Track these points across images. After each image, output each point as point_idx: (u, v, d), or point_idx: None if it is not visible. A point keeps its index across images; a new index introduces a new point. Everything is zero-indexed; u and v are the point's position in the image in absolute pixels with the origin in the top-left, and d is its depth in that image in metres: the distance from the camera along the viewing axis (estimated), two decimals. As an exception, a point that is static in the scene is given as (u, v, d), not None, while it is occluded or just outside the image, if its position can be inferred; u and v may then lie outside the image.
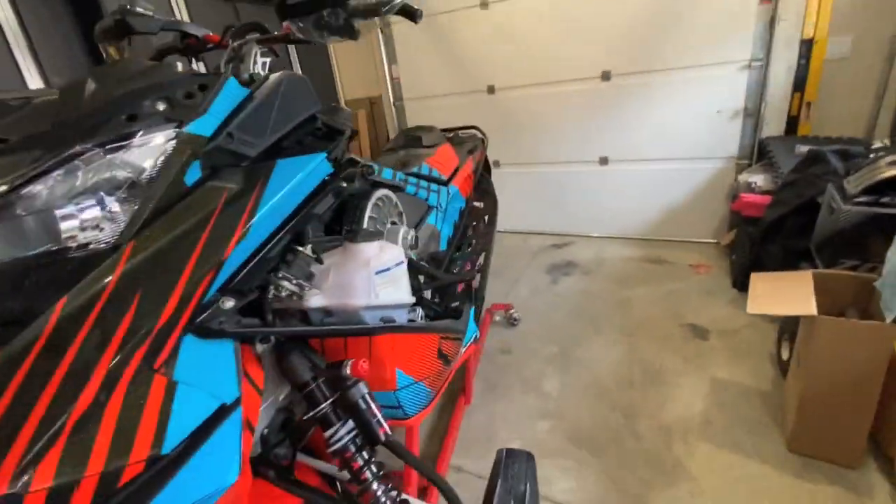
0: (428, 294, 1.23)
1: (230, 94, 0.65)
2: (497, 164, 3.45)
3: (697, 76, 2.60)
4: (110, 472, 0.42)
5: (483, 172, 2.35)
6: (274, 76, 0.72)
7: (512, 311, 2.33)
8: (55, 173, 0.49)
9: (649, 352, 1.99)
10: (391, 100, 3.68)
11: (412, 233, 1.02)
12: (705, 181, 2.82)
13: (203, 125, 0.60)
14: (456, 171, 1.87)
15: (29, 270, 0.47)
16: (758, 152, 2.57)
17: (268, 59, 0.92)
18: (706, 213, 2.87)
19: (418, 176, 1.51)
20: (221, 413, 0.51)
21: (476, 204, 2.25)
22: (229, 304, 0.57)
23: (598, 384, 1.83)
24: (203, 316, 0.54)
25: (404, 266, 0.82)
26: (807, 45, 2.25)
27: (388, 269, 0.77)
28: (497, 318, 2.39)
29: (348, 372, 0.71)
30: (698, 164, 2.79)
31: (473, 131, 2.47)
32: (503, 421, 1.71)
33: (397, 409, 0.88)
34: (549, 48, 2.93)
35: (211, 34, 0.97)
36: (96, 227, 0.50)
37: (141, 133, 0.54)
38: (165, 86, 0.60)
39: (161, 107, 0.59)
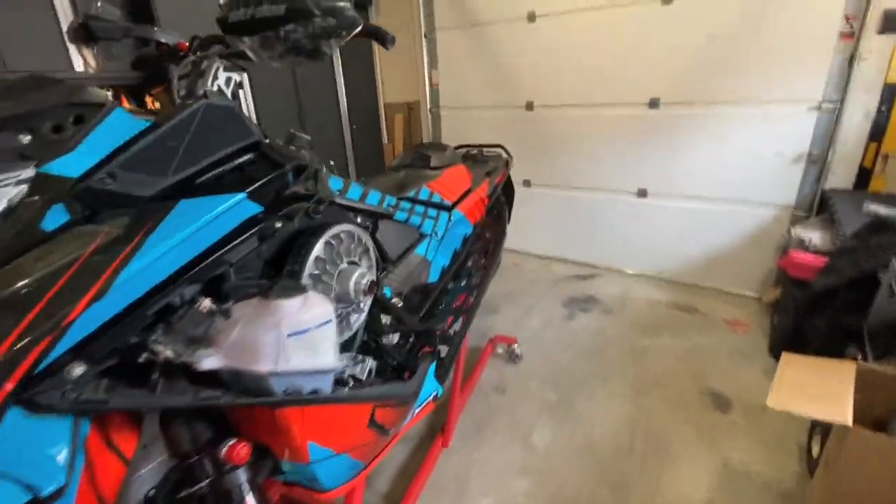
0: (396, 337, 1.13)
1: (115, 127, 0.57)
2: (528, 183, 3.30)
3: (758, 113, 2.33)
4: None
5: (502, 195, 2.21)
6: (192, 105, 0.64)
7: (515, 345, 2.18)
8: None
9: (658, 416, 1.79)
10: (428, 106, 3.60)
11: (368, 277, 0.92)
12: (754, 228, 2.53)
13: (68, 164, 0.53)
14: (465, 194, 1.75)
15: None
16: (818, 205, 2.28)
17: (233, 75, 0.85)
18: (751, 263, 2.59)
19: (414, 201, 1.41)
20: None
21: (493, 230, 2.12)
22: (78, 370, 0.50)
23: (592, 445, 1.65)
24: (40, 386, 0.47)
25: (330, 326, 0.72)
26: (890, 90, 1.95)
27: (305, 331, 0.67)
28: (499, 350, 2.25)
29: (223, 455, 0.62)
30: (748, 208, 2.52)
31: (499, 150, 2.35)
32: (480, 471, 1.58)
33: (314, 482, 0.79)
34: (594, 68, 2.75)
35: (183, 42, 0.92)
36: None
37: None
38: (29, 116, 0.54)
39: (25, 139, 0.52)
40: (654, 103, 2.63)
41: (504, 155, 2.35)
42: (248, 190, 0.65)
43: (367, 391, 0.82)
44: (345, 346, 1.01)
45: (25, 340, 0.44)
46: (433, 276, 1.47)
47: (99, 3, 0.81)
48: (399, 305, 1.14)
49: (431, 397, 1.09)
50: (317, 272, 0.84)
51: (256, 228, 0.68)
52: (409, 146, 3.97)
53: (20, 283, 0.46)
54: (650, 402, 1.87)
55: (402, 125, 3.95)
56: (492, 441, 1.71)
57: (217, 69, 0.81)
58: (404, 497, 1.41)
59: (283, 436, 0.69)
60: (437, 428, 1.71)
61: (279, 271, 0.81)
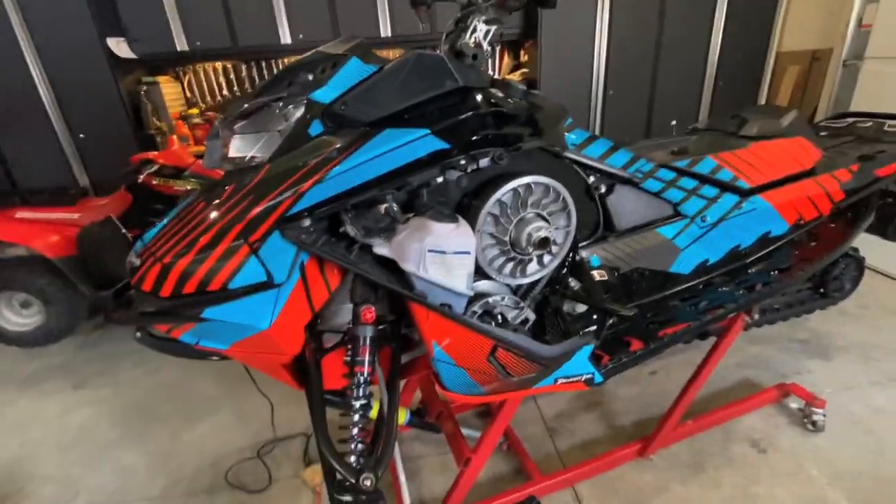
0: (580, 308, 1.05)
1: (351, 71, 0.78)
2: None
3: None
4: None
5: (882, 196, 1.47)
6: (402, 57, 0.79)
7: (821, 411, 1.54)
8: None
9: None
10: (842, 57, 2.58)
11: (543, 232, 0.88)
12: None
13: (322, 94, 0.78)
14: (788, 179, 1.28)
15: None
16: None
17: (492, 28, 0.95)
18: None
19: (683, 172, 1.17)
20: (266, 284, 0.77)
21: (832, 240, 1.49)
22: (307, 222, 0.78)
23: None
24: (289, 224, 0.78)
25: (466, 258, 0.77)
26: None
27: (442, 252, 0.76)
28: (792, 404, 1.65)
29: (358, 312, 0.83)
30: None
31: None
32: (668, 508, 1.33)
33: (438, 376, 0.92)
34: None
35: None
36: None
37: (285, 97, 0.80)
38: (312, 63, 0.82)
39: (309, 77, 0.81)
40: None
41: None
42: (434, 127, 0.78)
43: (485, 327, 0.86)
44: (526, 292, 1.06)
45: (283, 196, 0.75)
46: (682, 268, 1.22)
47: None
48: (599, 278, 1.05)
49: (582, 378, 0.99)
50: (496, 213, 0.90)
51: (445, 162, 0.81)
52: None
53: (292, 163, 0.77)
54: None
55: (793, 81, 3.01)
56: (706, 492, 1.36)
57: (476, 23, 0.93)
58: (569, 469, 1.38)
59: (418, 326, 0.87)
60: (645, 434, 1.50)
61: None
